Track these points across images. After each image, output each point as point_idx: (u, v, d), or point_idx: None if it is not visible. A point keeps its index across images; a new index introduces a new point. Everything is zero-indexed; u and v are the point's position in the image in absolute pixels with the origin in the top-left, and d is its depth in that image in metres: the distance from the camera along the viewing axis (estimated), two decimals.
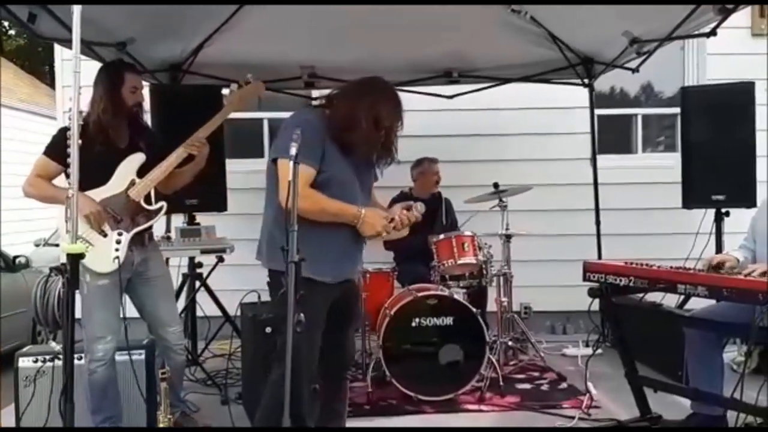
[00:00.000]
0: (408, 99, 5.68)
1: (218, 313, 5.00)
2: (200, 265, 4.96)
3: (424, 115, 5.86)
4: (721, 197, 5.03)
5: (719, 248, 5.06)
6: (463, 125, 6.11)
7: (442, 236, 4.73)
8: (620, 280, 3.26)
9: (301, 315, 2.18)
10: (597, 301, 3.44)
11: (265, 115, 6.40)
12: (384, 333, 4.19)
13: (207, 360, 5.09)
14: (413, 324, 4.21)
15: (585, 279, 3.44)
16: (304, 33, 4.67)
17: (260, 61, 4.89)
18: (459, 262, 4.62)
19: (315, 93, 5.47)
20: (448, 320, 4.22)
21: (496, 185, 4.97)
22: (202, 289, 4.97)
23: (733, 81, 5.25)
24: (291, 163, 2.30)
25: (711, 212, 5.17)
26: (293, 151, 2.31)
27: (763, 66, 5.76)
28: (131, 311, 3.47)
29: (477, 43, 5.04)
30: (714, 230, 5.15)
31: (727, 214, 5.13)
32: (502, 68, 5.48)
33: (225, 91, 3.72)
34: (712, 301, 3.37)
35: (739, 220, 4.90)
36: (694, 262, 3.94)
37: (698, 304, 3.56)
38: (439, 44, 5.02)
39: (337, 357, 2.95)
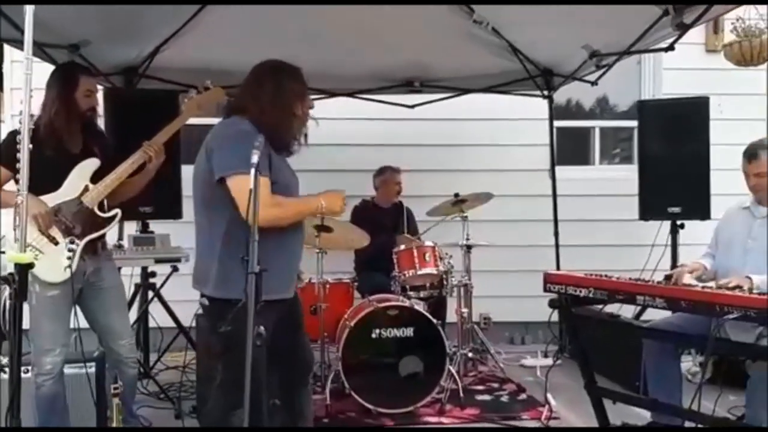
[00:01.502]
0: (370, 108, 5.80)
1: (172, 324, 4.88)
2: (153, 274, 4.83)
3: (386, 124, 5.86)
4: (676, 209, 5.12)
5: (674, 260, 5.16)
6: (423, 135, 6.09)
7: (403, 246, 4.70)
8: (580, 291, 3.26)
9: (261, 328, 2.13)
10: (556, 311, 3.45)
11: None
12: (343, 344, 4.13)
13: (160, 372, 4.95)
14: (373, 335, 4.16)
15: (545, 290, 3.43)
16: (264, 39, 4.59)
17: (219, 66, 4.78)
18: (420, 272, 4.58)
19: None
20: (409, 331, 4.18)
21: (456, 195, 4.98)
22: (156, 299, 4.84)
23: (688, 96, 5.37)
24: (252, 171, 2.23)
25: (667, 224, 5.27)
26: (255, 159, 2.25)
27: (716, 81, 5.90)
28: (82, 322, 3.34)
29: (439, 54, 5.05)
30: (669, 242, 5.24)
31: (682, 226, 5.23)
32: (463, 79, 5.51)
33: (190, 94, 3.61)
34: (668, 313, 3.42)
35: (693, 232, 5.01)
36: (650, 273, 4.01)
37: (654, 315, 3.61)
38: (402, 54, 5.01)
39: (295, 362, 2.88)
